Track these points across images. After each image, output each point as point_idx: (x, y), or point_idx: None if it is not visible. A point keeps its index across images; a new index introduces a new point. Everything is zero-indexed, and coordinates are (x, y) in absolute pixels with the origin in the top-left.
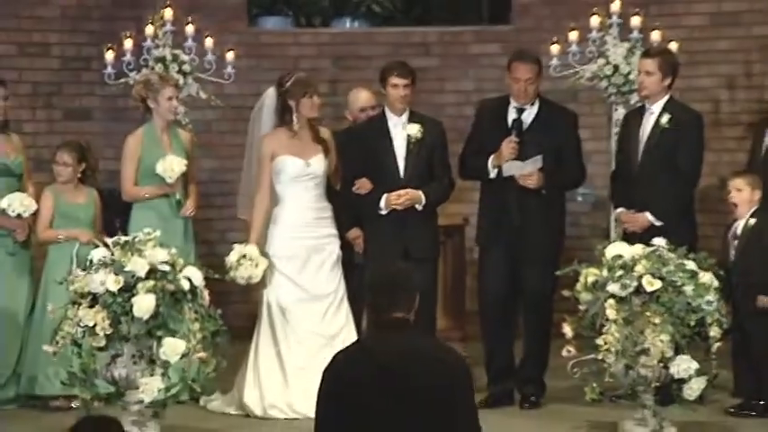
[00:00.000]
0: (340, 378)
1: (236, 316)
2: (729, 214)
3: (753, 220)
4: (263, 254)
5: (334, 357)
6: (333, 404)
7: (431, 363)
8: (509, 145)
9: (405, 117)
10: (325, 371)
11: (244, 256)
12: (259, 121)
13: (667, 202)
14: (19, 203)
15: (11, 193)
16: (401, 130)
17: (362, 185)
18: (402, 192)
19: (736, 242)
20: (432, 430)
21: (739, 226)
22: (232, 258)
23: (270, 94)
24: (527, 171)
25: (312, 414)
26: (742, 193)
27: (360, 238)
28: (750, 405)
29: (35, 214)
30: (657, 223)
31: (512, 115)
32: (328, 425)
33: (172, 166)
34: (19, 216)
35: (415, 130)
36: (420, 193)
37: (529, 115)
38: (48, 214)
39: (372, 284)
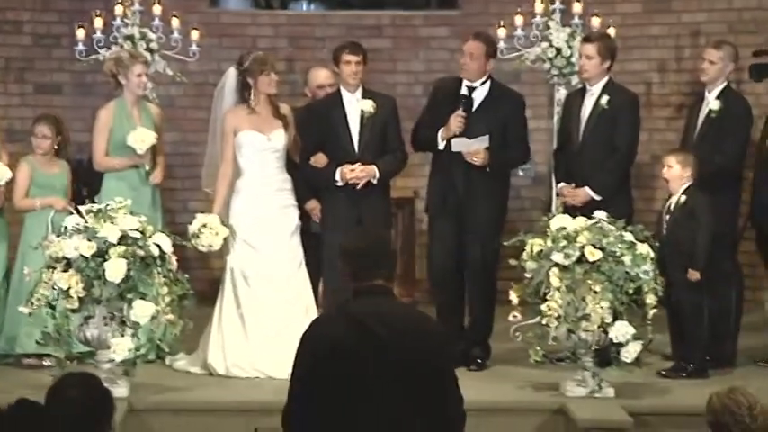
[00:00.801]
0: (321, 341)
1: (196, 281)
2: (662, 190)
3: (684, 197)
4: (225, 224)
5: (314, 321)
6: (312, 367)
7: (418, 330)
8: (456, 119)
9: (359, 93)
10: (305, 334)
11: (204, 225)
12: (221, 98)
13: (605, 178)
14: None
15: None
16: (355, 106)
17: (318, 160)
18: (355, 166)
19: (668, 217)
20: (416, 396)
21: (673, 202)
22: (194, 227)
23: (231, 73)
24: (473, 149)
25: (274, 373)
26: (672, 170)
27: (317, 209)
28: (681, 367)
29: (10, 183)
30: (597, 197)
31: (463, 93)
32: (307, 387)
33: (142, 137)
34: None
35: (368, 105)
36: (374, 167)
37: (479, 94)
38: (24, 184)
39: (352, 251)
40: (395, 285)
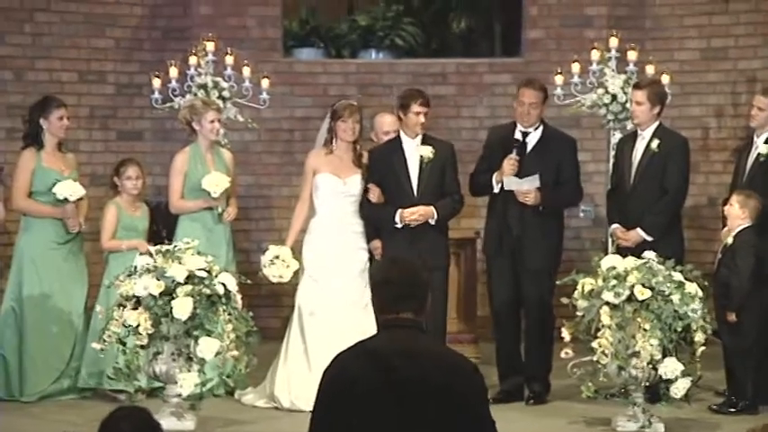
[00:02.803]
0: (338, 379)
1: (269, 318)
2: (719, 231)
3: (731, 239)
4: (296, 258)
5: (335, 357)
6: (329, 405)
7: (444, 367)
8: (509, 162)
9: (418, 139)
10: (325, 370)
11: (277, 257)
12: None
13: (656, 219)
14: (65, 188)
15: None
16: (414, 151)
17: (372, 191)
18: (414, 209)
19: (720, 256)
20: None
21: (727, 242)
22: (267, 257)
23: (327, 117)
24: (524, 188)
25: None
26: (731, 209)
27: (380, 248)
28: (731, 403)
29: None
30: (648, 238)
31: (516, 137)
32: (323, 426)
33: (217, 181)
34: (65, 200)
35: (427, 151)
36: (432, 209)
37: (533, 138)
38: (112, 226)
39: (378, 279)
40: (453, 322)
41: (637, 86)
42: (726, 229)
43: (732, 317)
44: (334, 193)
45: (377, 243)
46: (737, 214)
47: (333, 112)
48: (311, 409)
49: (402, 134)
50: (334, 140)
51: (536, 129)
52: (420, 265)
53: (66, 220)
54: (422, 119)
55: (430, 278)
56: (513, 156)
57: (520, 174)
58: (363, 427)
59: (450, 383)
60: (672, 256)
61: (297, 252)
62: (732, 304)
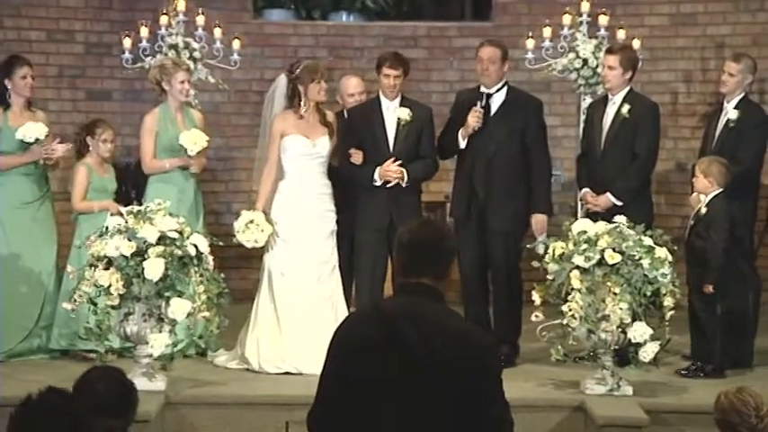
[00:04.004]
0: (349, 340)
1: (241, 280)
2: (687, 195)
3: (705, 209)
4: (269, 221)
5: (347, 317)
6: (339, 366)
7: (454, 337)
8: (474, 113)
9: (397, 101)
10: (336, 330)
11: (251, 221)
12: (272, 103)
13: (626, 183)
14: (31, 130)
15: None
16: (393, 113)
17: (355, 155)
18: (392, 164)
19: (692, 223)
20: (450, 403)
21: (699, 210)
22: (240, 222)
23: (281, 80)
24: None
25: (304, 369)
26: (697, 180)
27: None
28: (699, 367)
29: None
30: (618, 203)
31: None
32: (333, 387)
33: (195, 139)
34: (37, 141)
35: (404, 113)
36: (403, 170)
37: (497, 100)
38: (83, 187)
39: (405, 242)
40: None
41: (609, 51)
42: (695, 194)
43: (709, 289)
44: (302, 155)
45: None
46: (705, 184)
47: (300, 73)
48: (279, 371)
49: (381, 95)
50: (303, 102)
51: (498, 90)
52: (448, 232)
53: (42, 159)
54: (392, 81)
55: (456, 246)
56: (478, 108)
57: (484, 127)
58: (367, 387)
59: (458, 355)
60: (641, 220)
61: (267, 214)
62: (709, 277)
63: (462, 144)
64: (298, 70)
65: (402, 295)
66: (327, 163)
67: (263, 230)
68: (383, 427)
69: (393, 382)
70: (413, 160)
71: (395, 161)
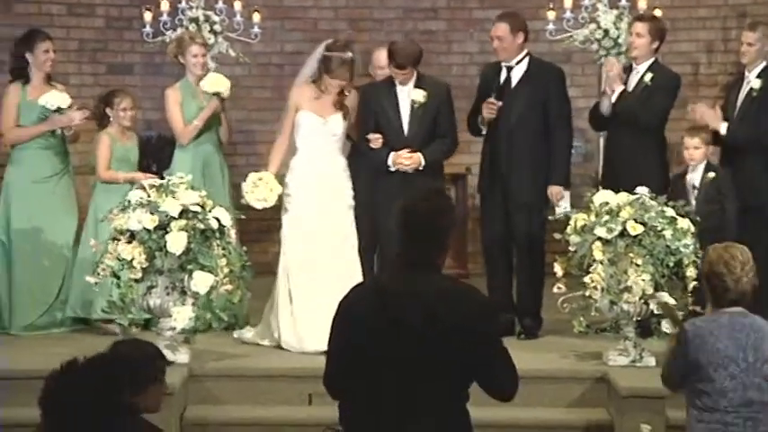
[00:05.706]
0: (348, 312)
1: (258, 253)
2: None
3: (711, 174)
4: (279, 181)
5: (351, 289)
6: (340, 335)
7: (449, 300)
8: (487, 106)
9: (412, 82)
10: (340, 301)
11: (260, 179)
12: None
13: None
14: (54, 98)
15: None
16: (406, 95)
17: (374, 140)
18: (405, 153)
19: (695, 192)
20: (448, 371)
21: (695, 178)
22: (248, 183)
23: (320, 50)
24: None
25: (318, 347)
26: (695, 152)
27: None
28: None
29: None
30: None
31: (503, 74)
32: (338, 354)
33: (216, 81)
34: (59, 110)
35: (419, 95)
36: (419, 155)
37: (517, 72)
38: (107, 157)
39: (401, 217)
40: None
41: (639, 18)
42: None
43: None
44: (313, 132)
45: None
46: (703, 151)
47: (334, 61)
48: (295, 350)
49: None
50: (323, 83)
51: (518, 63)
52: (447, 206)
53: (60, 129)
54: (401, 78)
55: (457, 220)
56: (491, 99)
57: (500, 116)
58: (368, 360)
59: (457, 320)
60: (655, 188)
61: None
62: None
63: (484, 130)
64: (333, 54)
65: (400, 269)
66: (343, 140)
67: (272, 189)
68: (383, 396)
69: (393, 353)
70: (429, 142)
71: (408, 149)
